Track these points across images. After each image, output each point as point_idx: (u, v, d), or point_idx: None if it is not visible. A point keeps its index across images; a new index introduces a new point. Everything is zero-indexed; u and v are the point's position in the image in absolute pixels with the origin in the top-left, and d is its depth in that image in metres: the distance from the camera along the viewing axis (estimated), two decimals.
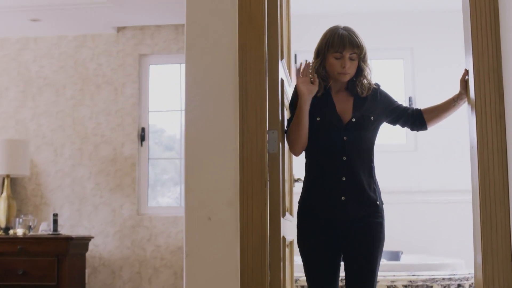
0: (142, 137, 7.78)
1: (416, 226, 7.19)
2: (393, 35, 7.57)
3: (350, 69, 3.41)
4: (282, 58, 3.61)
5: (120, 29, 7.87)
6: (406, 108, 3.60)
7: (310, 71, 3.45)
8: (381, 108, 3.52)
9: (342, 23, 3.54)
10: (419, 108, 3.64)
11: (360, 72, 3.46)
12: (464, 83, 3.43)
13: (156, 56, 7.93)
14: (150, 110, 7.92)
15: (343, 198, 3.36)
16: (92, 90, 7.82)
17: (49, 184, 7.76)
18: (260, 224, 3.20)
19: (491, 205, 3.11)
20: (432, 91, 7.23)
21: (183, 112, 3.65)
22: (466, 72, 3.38)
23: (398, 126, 3.66)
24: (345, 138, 3.38)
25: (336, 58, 3.40)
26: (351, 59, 3.39)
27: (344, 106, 3.47)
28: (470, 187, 6.89)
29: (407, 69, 7.64)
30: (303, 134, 3.41)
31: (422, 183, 7.31)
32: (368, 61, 3.53)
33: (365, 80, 3.48)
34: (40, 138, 7.81)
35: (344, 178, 3.36)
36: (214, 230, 3.30)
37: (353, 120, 3.39)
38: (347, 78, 3.44)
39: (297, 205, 3.58)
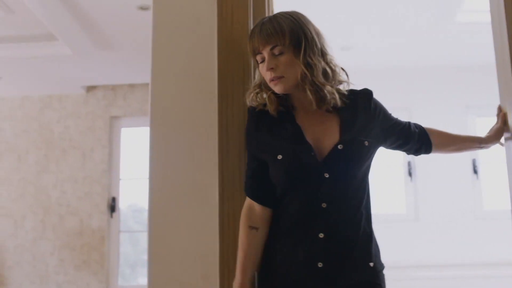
0: (112, 207, 7.05)
1: None
2: (388, 94, 6.97)
3: (279, 70, 2.26)
4: None
5: (89, 89, 7.26)
6: (407, 127, 2.51)
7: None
8: (378, 127, 2.40)
9: None
10: (418, 124, 2.59)
11: (302, 72, 2.26)
12: (504, 118, 2.67)
13: (128, 119, 7.31)
14: (121, 177, 7.18)
15: (320, 265, 2.23)
16: (57, 155, 7.14)
17: (7, 261, 6.99)
18: None
19: None
20: (431, 155, 6.62)
21: None
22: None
23: (391, 149, 2.58)
24: (326, 175, 2.23)
25: (262, 62, 2.31)
26: (274, 54, 2.26)
27: (322, 130, 2.32)
28: (480, 260, 6.50)
29: None
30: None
31: (424, 256, 6.59)
32: (330, 55, 2.33)
33: (312, 85, 2.26)
34: None
35: (321, 235, 2.23)
36: None
37: (340, 147, 2.25)
38: (283, 85, 2.27)
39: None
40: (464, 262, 6.51)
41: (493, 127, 2.70)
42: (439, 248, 6.64)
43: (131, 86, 7.19)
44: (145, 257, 7.09)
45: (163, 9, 2.80)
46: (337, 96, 2.30)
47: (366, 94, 2.40)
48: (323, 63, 2.28)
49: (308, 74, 2.24)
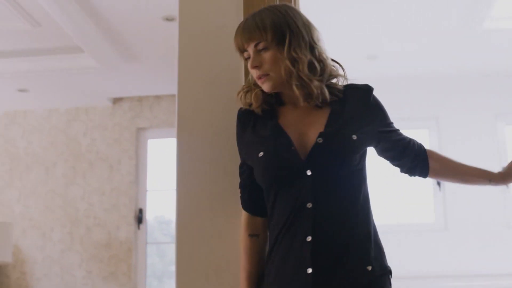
0: (139, 219, 7.05)
1: None
2: (416, 103, 6.93)
3: (264, 67, 2.13)
4: None
5: (116, 101, 7.28)
6: (407, 141, 2.29)
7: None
8: (374, 126, 2.22)
9: None
10: (421, 144, 2.33)
11: (286, 67, 2.12)
12: None
13: (155, 130, 7.31)
14: (148, 189, 7.19)
15: (309, 270, 2.05)
16: (84, 167, 7.16)
17: (36, 272, 7.01)
18: None
19: None
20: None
21: None
22: None
23: (384, 159, 2.36)
24: (308, 172, 2.07)
25: (248, 59, 2.18)
26: (259, 51, 2.14)
27: (306, 124, 2.18)
28: (511, 270, 6.39)
29: (433, 140, 6.95)
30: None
31: (453, 266, 6.51)
32: (319, 47, 2.17)
33: (298, 80, 2.12)
34: (26, 220, 7.12)
35: (309, 238, 2.06)
36: None
37: (319, 141, 2.08)
38: (270, 83, 2.15)
39: None
40: (494, 272, 6.42)
41: (509, 164, 2.38)
42: (469, 257, 6.55)
43: (157, 97, 7.20)
44: (172, 268, 7.07)
45: (189, 19, 2.79)
46: (325, 91, 2.15)
47: (366, 89, 2.23)
48: (309, 56, 2.12)
49: (293, 69, 2.10)
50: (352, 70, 6.01)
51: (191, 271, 2.59)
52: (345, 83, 2.24)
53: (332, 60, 2.23)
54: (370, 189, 2.21)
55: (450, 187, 6.66)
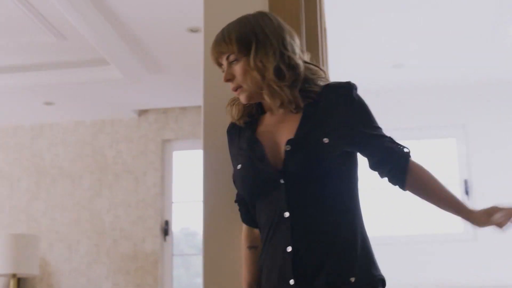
0: (165, 231, 7.05)
1: None
2: (443, 111, 6.85)
3: (236, 80, 2.13)
4: None
5: (141, 113, 7.29)
6: (389, 151, 2.13)
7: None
8: (353, 124, 2.09)
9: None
10: (408, 153, 2.15)
11: (253, 77, 2.09)
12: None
13: (180, 142, 7.31)
14: (174, 201, 7.19)
15: (291, 282, 1.99)
16: (110, 180, 7.17)
17: (62, 285, 7.03)
18: None
19: None
20: (491, 173, 6.48)
21: None
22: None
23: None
24: (281, 181, 2.04)
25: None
26: (231, 63, 2.13)
27: (280, 132, 2.14)
28: None
29: (460, 149, 6.87)
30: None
31: (483, 278, 6.41)
32: (290, 53, 2.10)
33: (268, 88, 2.08)
34: (53, 233, 7.14)
35: (289, 249, 2.00)
36: None
37: (287, 148, 2.04)
38: (245, 94, 2.14)
39: None
40: None
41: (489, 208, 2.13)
42: (499, 269, 6.42)
43: (183, 109, 7.20)
44: (197, 280, 7.05)
45: (214, 30, 2.76)
46: (298, 95, 2.11)
47: (345, 87, 2.13)
48: (276, 63, 2.06)
49: (260, 78, 2.07)
50: (378, 80, 6.03)
51: (218, 283, 2.57)
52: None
53: (307, 62, 2.18)
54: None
55: (480, 194, 6.55)
